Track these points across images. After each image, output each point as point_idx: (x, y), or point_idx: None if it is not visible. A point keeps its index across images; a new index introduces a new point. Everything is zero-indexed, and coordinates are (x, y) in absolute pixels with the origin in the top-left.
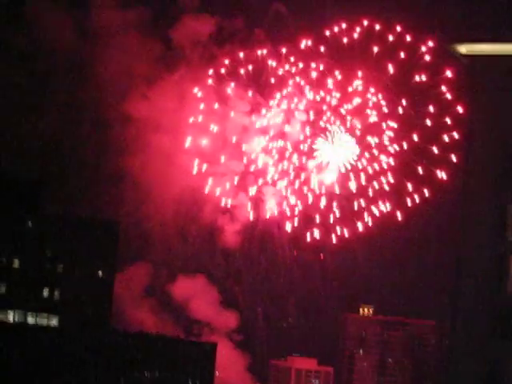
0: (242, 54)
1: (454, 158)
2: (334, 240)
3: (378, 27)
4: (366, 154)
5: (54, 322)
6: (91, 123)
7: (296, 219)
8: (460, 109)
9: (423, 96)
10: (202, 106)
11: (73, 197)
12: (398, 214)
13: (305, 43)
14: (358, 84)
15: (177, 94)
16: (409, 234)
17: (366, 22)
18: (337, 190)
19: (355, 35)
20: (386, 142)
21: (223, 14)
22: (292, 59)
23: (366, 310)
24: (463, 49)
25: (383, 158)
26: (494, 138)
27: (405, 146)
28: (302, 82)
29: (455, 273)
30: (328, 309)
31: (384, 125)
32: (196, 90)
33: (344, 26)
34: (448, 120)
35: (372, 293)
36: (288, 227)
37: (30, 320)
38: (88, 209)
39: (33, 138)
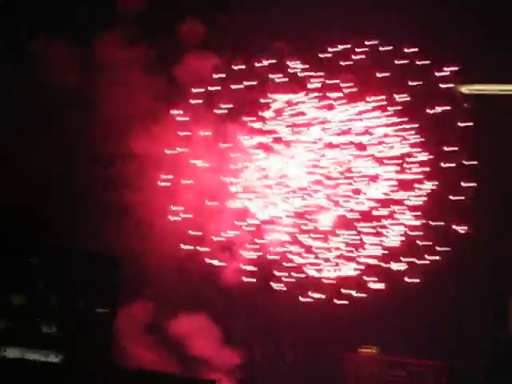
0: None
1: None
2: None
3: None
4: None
5: (54, 358)
6: (94, 159)
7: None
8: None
9: (440, 133)
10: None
11: (75, 232)
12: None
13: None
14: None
15: (180, 131)
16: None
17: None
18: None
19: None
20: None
21: (225, 51)
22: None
23: (365, 349)
24: (464, 88)
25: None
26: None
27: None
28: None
29: (454, 313)
30: (328, 348)
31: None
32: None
33: (341, 47)
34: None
35: (372, 333)
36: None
37: (30, 357)
38: (90, 244)
39: (34, 173)
